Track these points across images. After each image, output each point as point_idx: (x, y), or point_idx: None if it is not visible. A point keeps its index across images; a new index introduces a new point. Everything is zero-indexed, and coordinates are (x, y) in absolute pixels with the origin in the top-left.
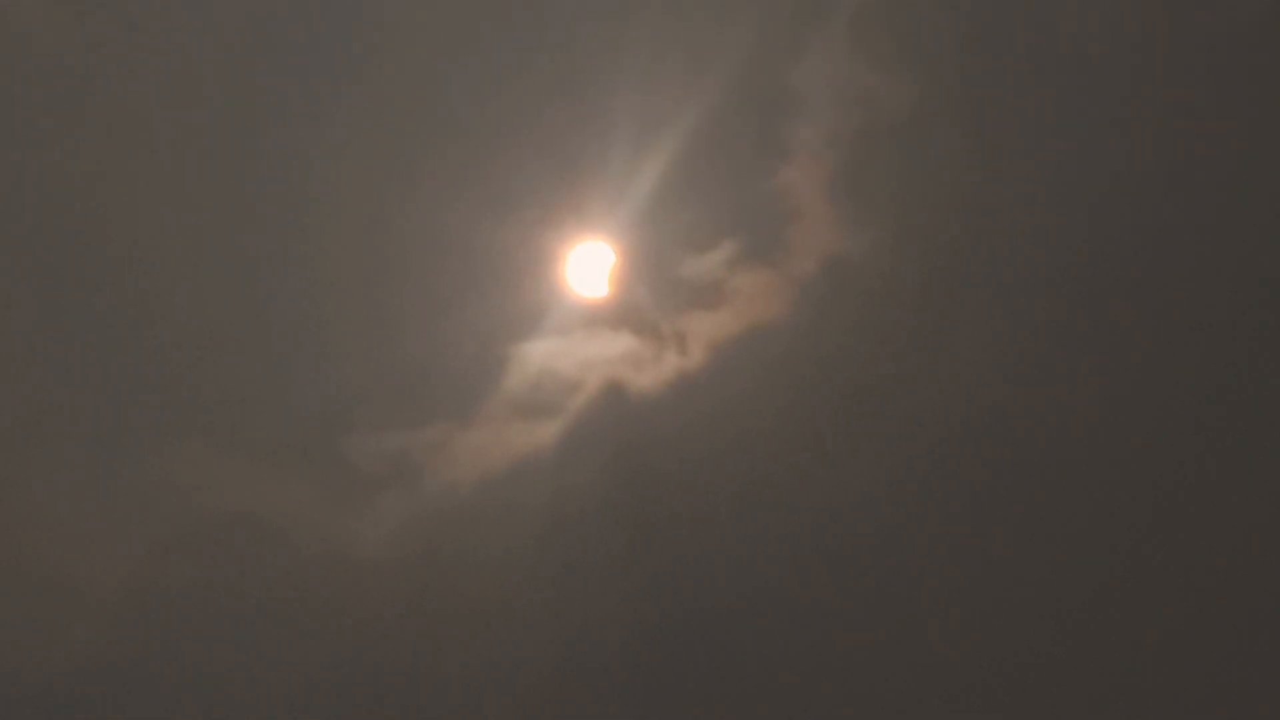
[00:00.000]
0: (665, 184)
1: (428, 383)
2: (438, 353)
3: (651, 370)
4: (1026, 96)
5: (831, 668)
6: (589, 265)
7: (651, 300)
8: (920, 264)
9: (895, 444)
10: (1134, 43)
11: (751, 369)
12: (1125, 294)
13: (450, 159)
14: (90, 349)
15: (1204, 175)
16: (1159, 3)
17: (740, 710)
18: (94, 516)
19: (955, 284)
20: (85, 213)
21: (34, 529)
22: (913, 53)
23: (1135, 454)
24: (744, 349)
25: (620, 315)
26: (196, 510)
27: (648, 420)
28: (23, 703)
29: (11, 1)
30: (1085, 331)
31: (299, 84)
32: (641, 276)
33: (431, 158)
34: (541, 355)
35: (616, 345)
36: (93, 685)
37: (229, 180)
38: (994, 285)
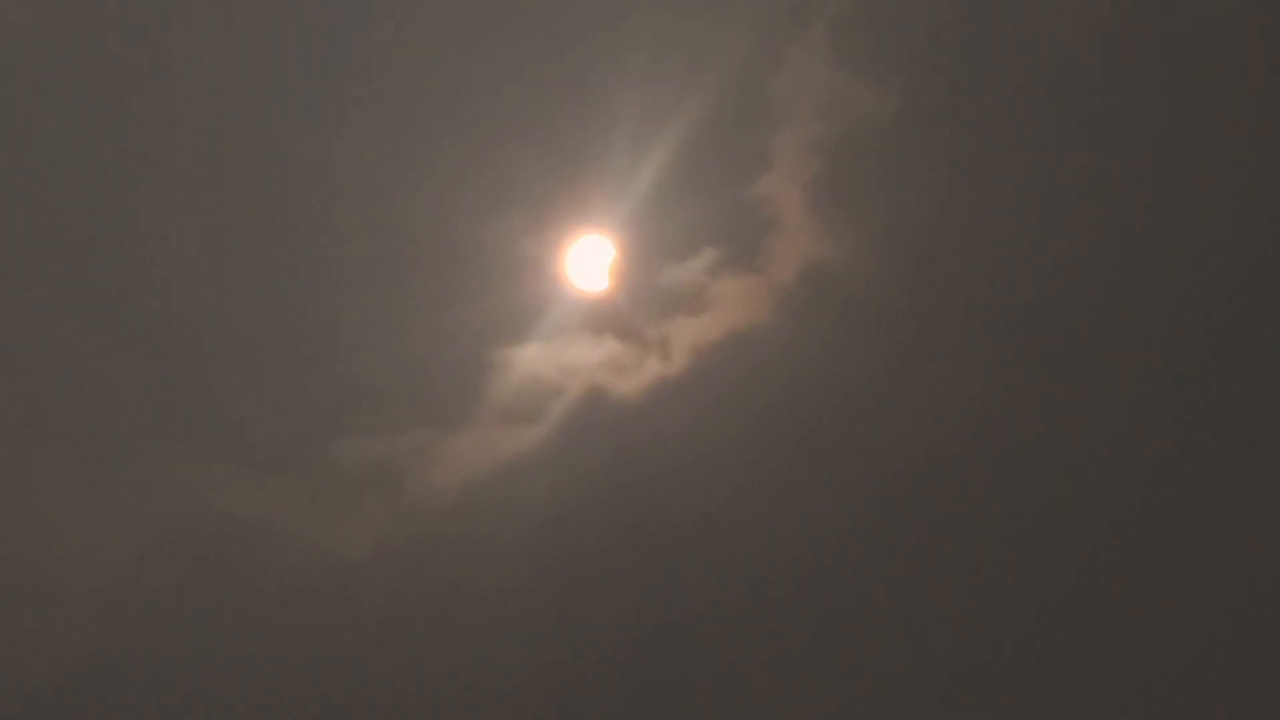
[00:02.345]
0: (656, 187)
1: (413, 388)
2: (425, 357)
3: (633, 376)
4: (1005, 105)
5: (807, 667)
6: (587, 260)
7: (639, 303)
8: (899, 270)
9: (873, 449)
10: (1112, 52)
11: (732, 374)
12: (1105, 301)
13: (453, 159)
14: (81, 355)
15: (1184, 182)
16: (1137, 12)
17: (717, 714)
18: (84, 518)
19: (934, 290)
20: (79, 222)
21: (25, 530)
22: (892, 62)
23: (1118, 459)
24: (725, 354)
25: (611, 315)
26: (185, 513)
27: (629, 425)
28: (13, 700)
29: (16, 6)
30: (1064, 338)
31: (303, 81)
32: (634, 275)
33: (435, 161)
34: (525, 361)
35: (599, 350)
36: (83, 683)
37: (223, 187)
38: (973, 291)
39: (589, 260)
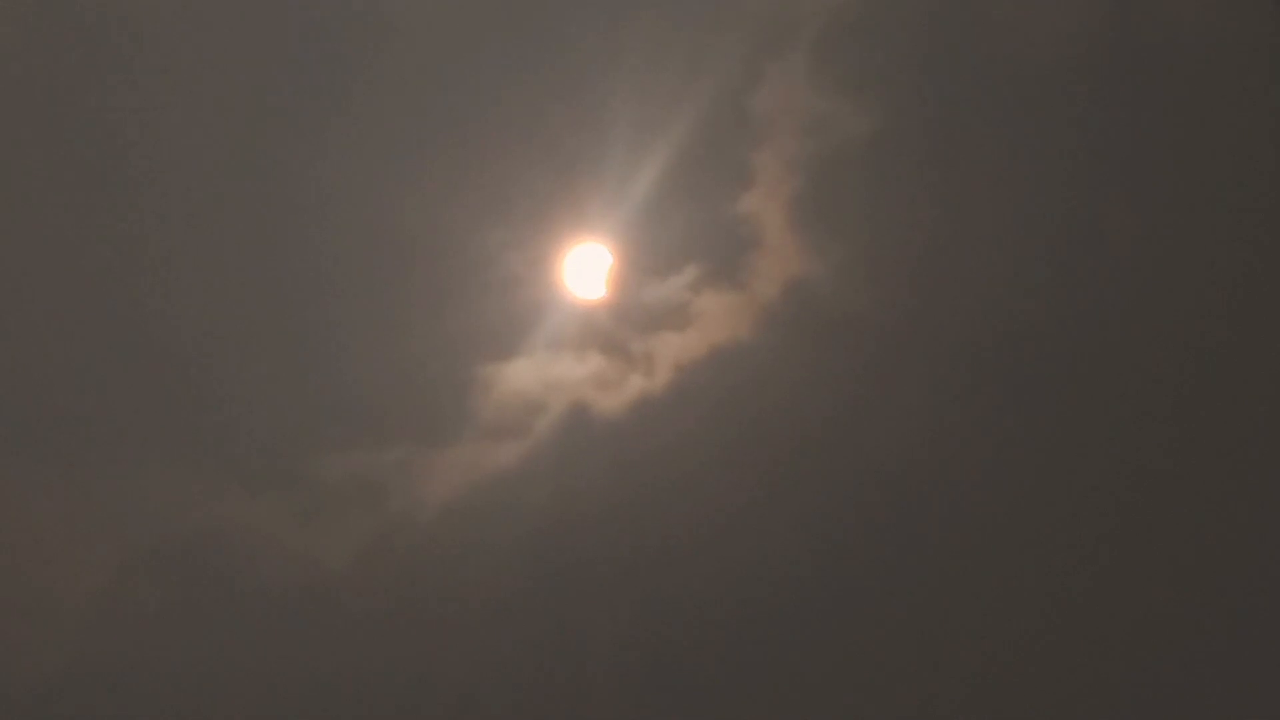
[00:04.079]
0: (653, 195)
1: (401, 401)
2: (416, 370)
3: (617, 392)
4: (990, 124)
5: (789, 684)
6: (583, 269)
7: (626, 318)
8: (882, 288)
9: (855, 466)
10: (1097, 70)
11: (715, 391)
12: (1091, 321)
13: (446, 167)
14: (65, 365)
15: (1174, 201)
16: (1123, 29)
17: None
18: (69, 529)
19: (917, 308)
20: (65, 231)
21: (8, 540)
22: (875, 79)
23: (1106, 479)
24: (708, 371)
25: (604, 327)
26: (170, 524)
27: (612, 441)
28: None
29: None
30: (1049, 357)
31: (290, 86)
32: (631, 285)
33: (427, 169)
34: (511, 375)
35: (584, 366)
36: (67, 694)
37: (209, 196)
38: (956, 309)
39: (585, 269)
